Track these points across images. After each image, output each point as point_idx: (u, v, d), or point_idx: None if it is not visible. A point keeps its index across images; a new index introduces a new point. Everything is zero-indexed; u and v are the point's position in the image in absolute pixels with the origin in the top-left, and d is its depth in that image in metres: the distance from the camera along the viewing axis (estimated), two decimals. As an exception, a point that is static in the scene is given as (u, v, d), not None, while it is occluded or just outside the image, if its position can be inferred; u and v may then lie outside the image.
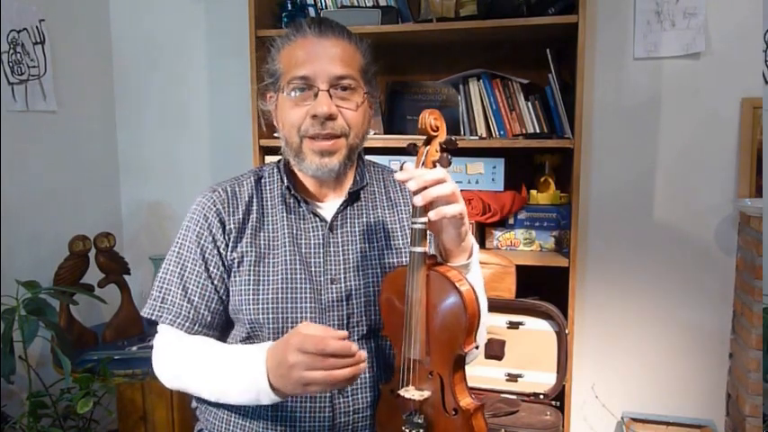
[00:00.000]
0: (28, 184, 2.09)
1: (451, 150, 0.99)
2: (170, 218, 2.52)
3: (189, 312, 1.10)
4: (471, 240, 1.07)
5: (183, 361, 1.08)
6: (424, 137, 1.00)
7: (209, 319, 1.11)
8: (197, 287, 1.10)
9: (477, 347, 0.99)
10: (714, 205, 2.09)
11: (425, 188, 0.94)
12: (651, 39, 2.07)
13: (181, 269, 1.11)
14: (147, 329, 2.11)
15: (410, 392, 1.00)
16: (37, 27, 2.10)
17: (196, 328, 1.10)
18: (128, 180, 2.56)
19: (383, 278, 1.08)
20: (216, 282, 1.11)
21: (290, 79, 1.07)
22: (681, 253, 2.13)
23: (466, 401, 0.99)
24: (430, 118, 0.97)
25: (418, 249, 0.97)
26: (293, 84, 1.07)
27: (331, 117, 1.05)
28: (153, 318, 1.11)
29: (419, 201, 0.94)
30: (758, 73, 2.01)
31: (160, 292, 1.11)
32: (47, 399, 1.83)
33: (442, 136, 0.99)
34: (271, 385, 0.95)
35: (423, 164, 0.98)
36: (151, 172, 2.53)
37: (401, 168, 0.97)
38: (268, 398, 0.97)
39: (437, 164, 0.98)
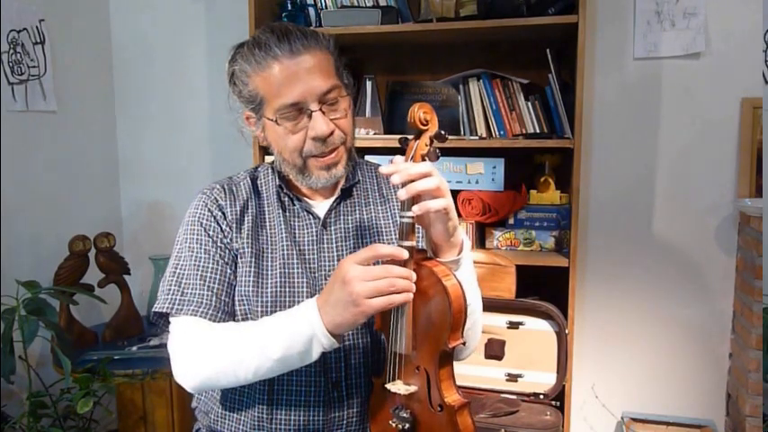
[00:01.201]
0: (28, 184, 2.09)
1: (442, 145, 0.98)
2: (170, 218, 2.52)
3: (211, 300, 1.07)
4: (461, 236, 1.06)
5: (217, 341, 1.03)
6: (415, 131, 0.99)
7: (229, 305, 1.09)
8: (215, 274, 1.08)
9: (464, 344, 0.99)
10: (714, 205, 2.09)
11: (411, 182, 0.93)
12: (651, 39, 2.07)
13: (195, 260, 1.09)
14: (147, 329, 2.11)
15: (397, 386, 1.01)
16: (37, 27, 2.10)
17: (220, 315, 1.07)
18: (128, 180, 2.56)
19: None
20: (230, 268, 1.10)
21: (278, 108, 1.05)
22: (681, 253, 2.13)
23: (452, 398, 0.99)
24: (419, 111, 0.97)
25: (406, 243, 0.96)
26: (284, 113, 1.05)
27: (330, 134, 1.06)
28: (172, 312, 1.06)
29: (403, 194, 0.93)
30: (758, 73, 2.01)
31: (178, 286, 1.08)
32: (47, 399, 1.83)
33: (433, 129, 0.98)
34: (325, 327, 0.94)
35: (411, 157, 0.97)
36: (151, 172, 2.53)
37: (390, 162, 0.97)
38: (320, 344, 0.95)
39: (425, 157, 0.97)
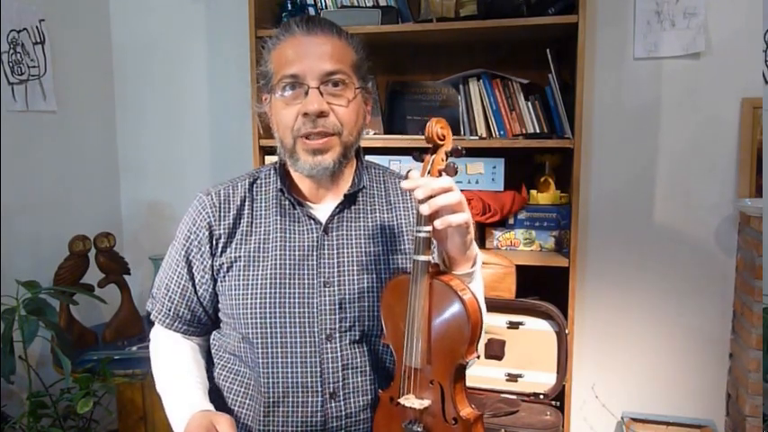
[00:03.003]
0: (28, 184, 2.09)
1: (457, 159, 0.99)
2: (170, 218, 2.52)
3: (169, 310, 1.17)
4: (475, 249, 1.06)
5: (158, 368, 1.18)
6: (430, 145, 0.99)
7: (188, 316, 1.17)
8: (177, 287, 1.16)
9: (478, 357, 0.99)
10: (714, 205, 2.09)
11: (432, 197, 0.92)
12: (651, 39, 2.07)
13: (168, 268, 1.18)
14: (146, 329, 2.10)
15: (410, 401, 1.00)
16: (37, 27, 2.10)
17: (175, 324, 1.17)
18: (128, 180, 2.56)
19: (385, 285, 1.07)
20: (196, 283, 1.14)
21: (280, 78, 1.06)
22: (681, 253, 2.13)
23: (466, 411, 0.99)
24: (437, 127, 0.97)
25: (422, 258, 0.96)
26: (283, 82, 1.06)
27: (322, 114, 1.04)
28: (148, 310, 1.21)
29: (426, 210, 0.92)
30: (758, 73, 2.01)
31: (154, 288, 1.21)
32: (47, 399, 1.83)
33: (449, 145, 0.98)
34: None
35: (428, 172, 0.97)
36: (151, 172, 2.53)
37: (406, 176, 0.97)
38: None
39: (443, 172, 0.97)
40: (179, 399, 1.08)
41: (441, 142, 0.98)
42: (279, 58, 1.08)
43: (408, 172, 0.97)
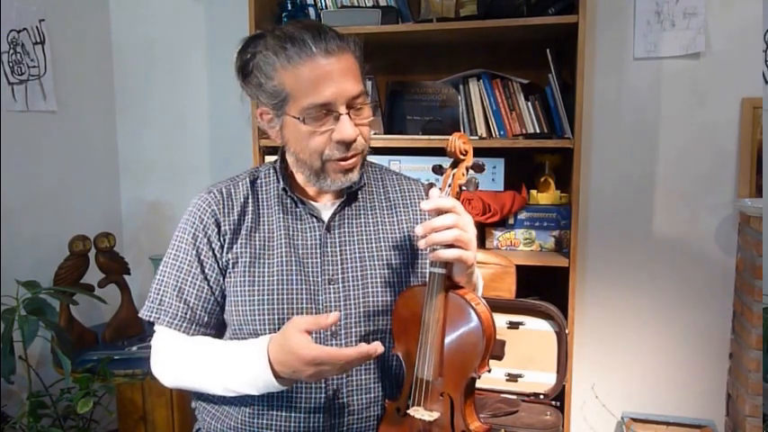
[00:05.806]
0: (28, 184, 2.09)
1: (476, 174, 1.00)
2: (170, 218, 2.52)
3: (186, 313, 1.11)
4: (476, 278, 1.09)
5: (185, 361, 1.09)
6: (451, 159, 0.99)
7: (205, 319, 1.13)
8: (193, 288, 1.11)
9: (489, 371, 1.00)
10: (714, 205, 2.09)
11: (433, 231, 0.95)
12: (651, 39, 2.07)
13: (177, 270, 1.12)
14: (146, 329, 2.11)
15: (420, 413, 0.99)
16: (37, 27, 2.10)
17: (194, 328, 1.12)
18: (128, 180, 2.56)
19: (398, 296, 1.08)
20: (211, 283, 1.12)
21: (306, 107, 1.02)
22: (681, 253, 2.13)
23: (475, 425, 0.99)
24: (459, 141, 0.97)
25: (439, 270, 0.96)
26: (311, 113, 1.02)
27: (355, 139, 1.05)
28: (151, 320, 1.12)
29: (422, 244, 0.96)
30: (758, 73, 2.01)
31: (158, 294, 1.12)
32: (47, 399, 1.83)
33: (470, 160, 0.99)
34: (276, 375, 0.97)
35: (449, 186, 0.98)
36: (151, 172, 2.53)
37: (427, 192, 0.99)
38: (276, 388, 1.00)
39: (464, 187, 0.98)
40: (236, 356, 1.03)
41: (462, 157, 0.98)
42: (297, 81, 1.02)
43: (430, 189, 0.98)
